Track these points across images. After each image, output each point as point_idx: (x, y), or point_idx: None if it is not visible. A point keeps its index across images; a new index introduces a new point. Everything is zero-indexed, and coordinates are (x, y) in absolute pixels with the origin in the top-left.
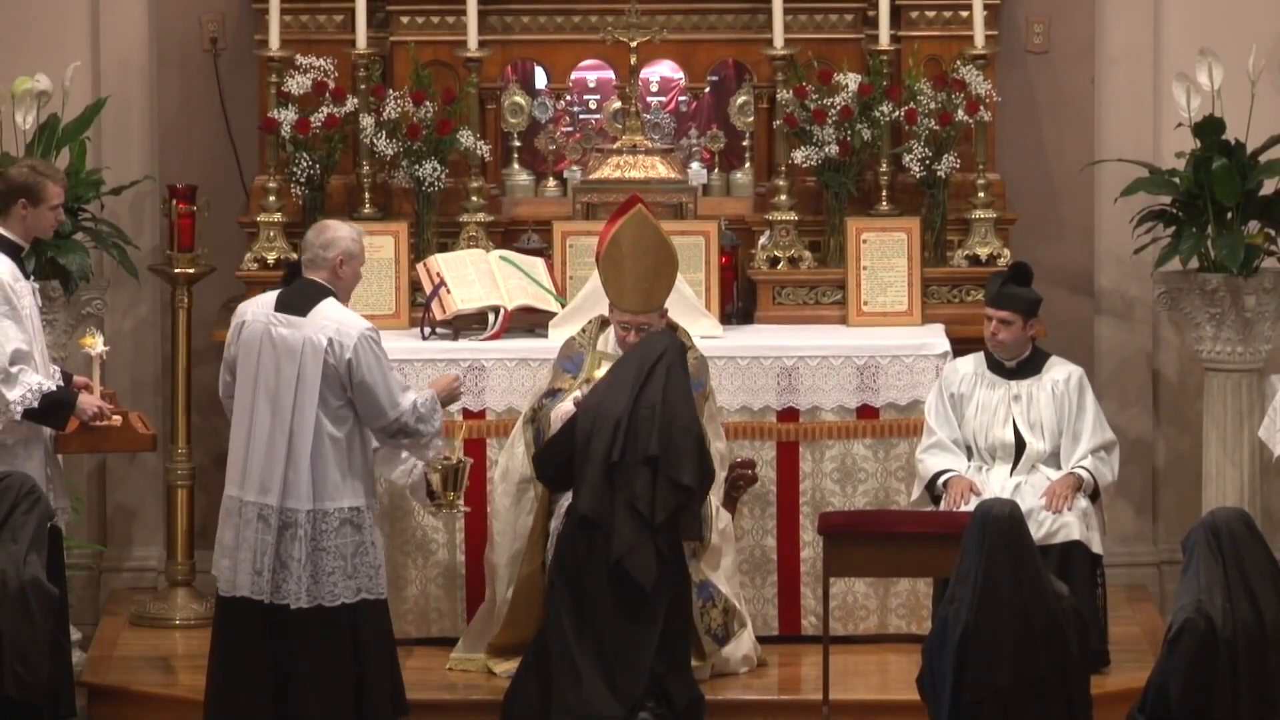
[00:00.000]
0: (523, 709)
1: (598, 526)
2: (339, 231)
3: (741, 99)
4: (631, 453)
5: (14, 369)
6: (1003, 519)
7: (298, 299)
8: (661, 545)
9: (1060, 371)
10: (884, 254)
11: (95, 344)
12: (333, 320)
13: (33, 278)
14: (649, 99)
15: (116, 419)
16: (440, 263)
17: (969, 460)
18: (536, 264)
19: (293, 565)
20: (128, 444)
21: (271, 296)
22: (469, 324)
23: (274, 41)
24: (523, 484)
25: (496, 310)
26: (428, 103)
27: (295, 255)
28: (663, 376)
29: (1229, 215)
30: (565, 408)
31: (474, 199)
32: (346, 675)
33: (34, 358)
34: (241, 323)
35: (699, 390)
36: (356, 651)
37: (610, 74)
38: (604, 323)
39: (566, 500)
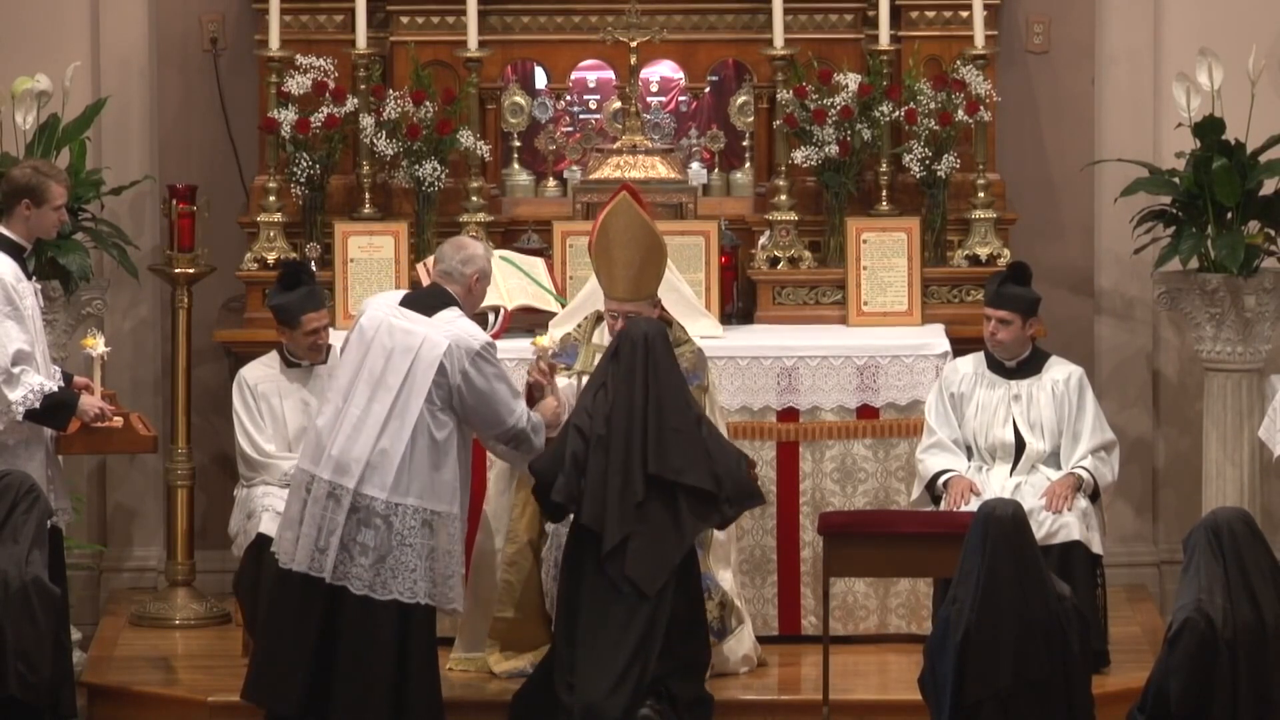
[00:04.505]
0: (530, 711)
1: (592, 534)
2: (477, 250)
3: (741, 99)
4: (628, 464)
5: (16, 369)
6: (1005, 520)
7: (426, 300)
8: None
9: (1060, 371)
10: (884, 254)
11: (97, 345)
12: (455, 328)
13: (34, 278)
14: (649, 99)
15: (118, 420)
16: None
17: (969, 460)
18: (536, 264)
19: (354, 549)
20: (129, 445)
21: (397, 294)
22: None
23: (274, 41)
24: (513, 470)
25: (496, 310)
26: (428, 103)
27: (295, 255)
28: (644, 378)
29: (1229, 215)
30: (550, 403)
31: (474, 199)
32: (385, 676)
33: (36, 358)
34: (362, 311)
35: (697, 383)
36: (401, 654)
37: (610, 74)
38: (600, 318)
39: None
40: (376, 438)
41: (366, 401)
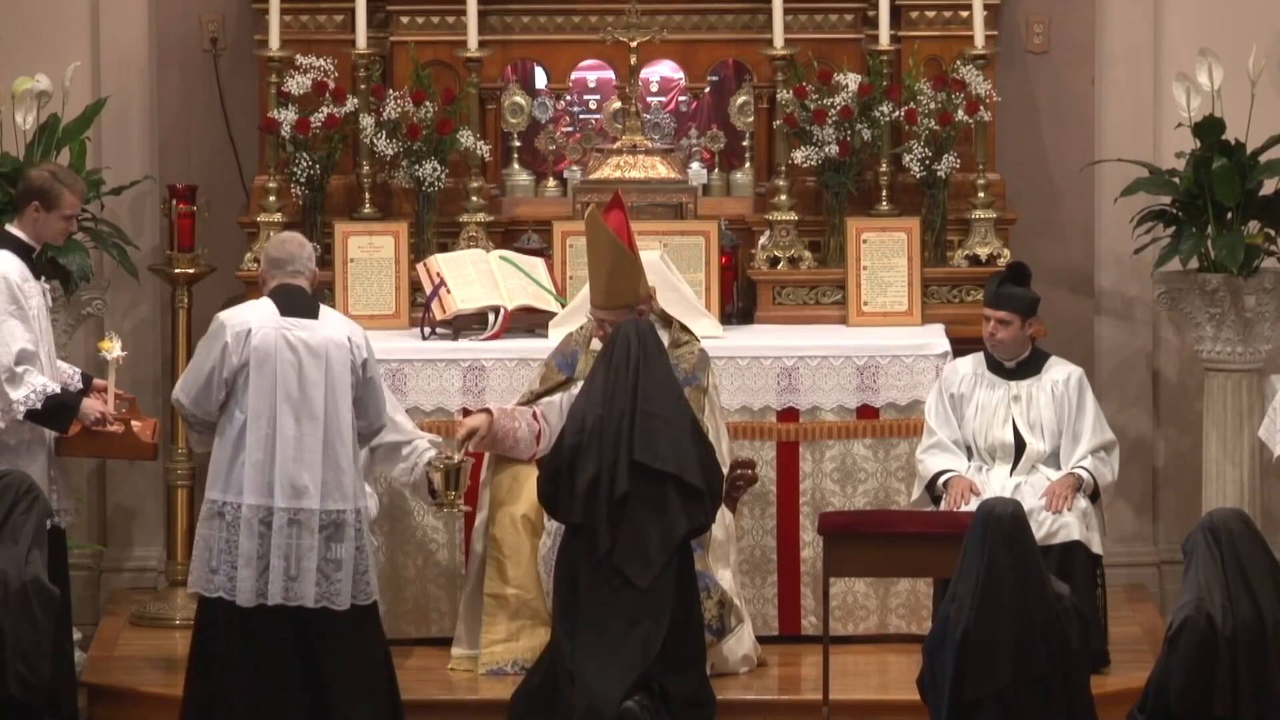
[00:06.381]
0: (530, 709)
1: (590, 530)
2: (305, 241)
3: (741, 99)
4: (616, 455)
5: (19, 369)
6: (1005, 519)
7: (302, 304)
8: (655, 547)
9: (1060, 371)
10: (884, 254)
11: (113, 348)
12: (343, 322)
13: (43, 279)
14: (649, 99)
15: (118, 426)
16: (440, 263)
17: (969, 460)
18: (536, 264)
19: (328, 568)
20: (129, 452)
21: (266, 304)
22: (469, 324)
23: (274, 41)
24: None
25: (496, 310)
26: (428, 103)
27: None
28: (634, 372)
29: (1229, 215)
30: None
31: (474, 199)
32: (380, 673)
33: (40, 358)
34: (247, 330)
35: (697, 384)
36: (384, 650)
37: (610, 74)
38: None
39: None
40: (323, 452)
41: (295, 420)
